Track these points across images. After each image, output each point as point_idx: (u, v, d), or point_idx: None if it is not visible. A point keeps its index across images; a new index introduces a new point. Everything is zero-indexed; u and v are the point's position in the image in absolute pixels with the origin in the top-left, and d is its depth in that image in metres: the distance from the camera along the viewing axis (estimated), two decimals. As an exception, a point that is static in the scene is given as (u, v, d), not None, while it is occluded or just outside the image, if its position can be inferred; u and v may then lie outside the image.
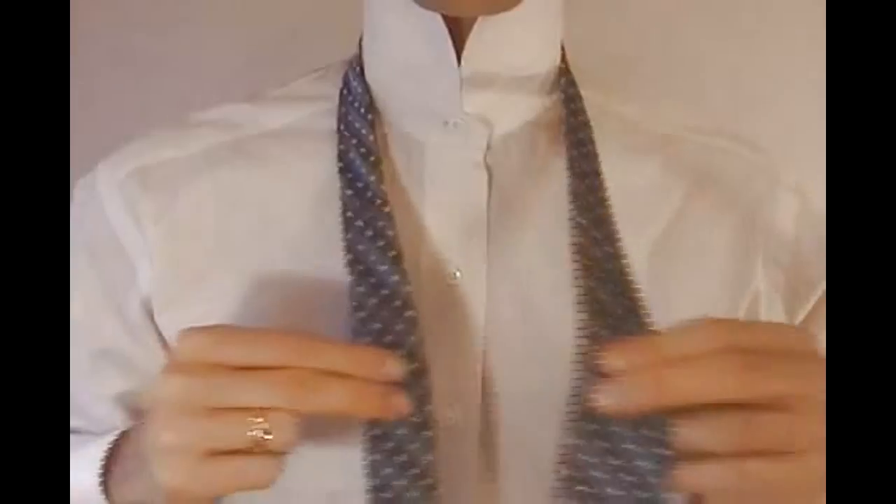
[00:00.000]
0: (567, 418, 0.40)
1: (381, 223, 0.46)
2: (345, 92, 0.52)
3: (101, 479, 0.46)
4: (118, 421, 0.52)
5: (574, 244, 0.46)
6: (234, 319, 0.47)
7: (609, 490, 0.39)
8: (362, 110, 0.50)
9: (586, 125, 0.50)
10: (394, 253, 0.46)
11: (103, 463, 0.46)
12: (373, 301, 0.45)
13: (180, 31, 0.85)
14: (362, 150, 0.49)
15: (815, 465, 0.37)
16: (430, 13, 0.46)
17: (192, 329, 0.40)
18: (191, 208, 0.50)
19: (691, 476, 0.37)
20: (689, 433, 0.37)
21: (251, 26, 0.86)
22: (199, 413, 0.38)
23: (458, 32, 0.47)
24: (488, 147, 0.50)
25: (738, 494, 0.38)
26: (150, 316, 0.51)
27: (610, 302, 0.45)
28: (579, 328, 0.44)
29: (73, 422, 0.53)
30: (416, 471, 0.42)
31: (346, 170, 0.49)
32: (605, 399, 0.37)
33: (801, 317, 0.52)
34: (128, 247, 0.51)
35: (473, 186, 0.49)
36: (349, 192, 0.48)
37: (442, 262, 0.48)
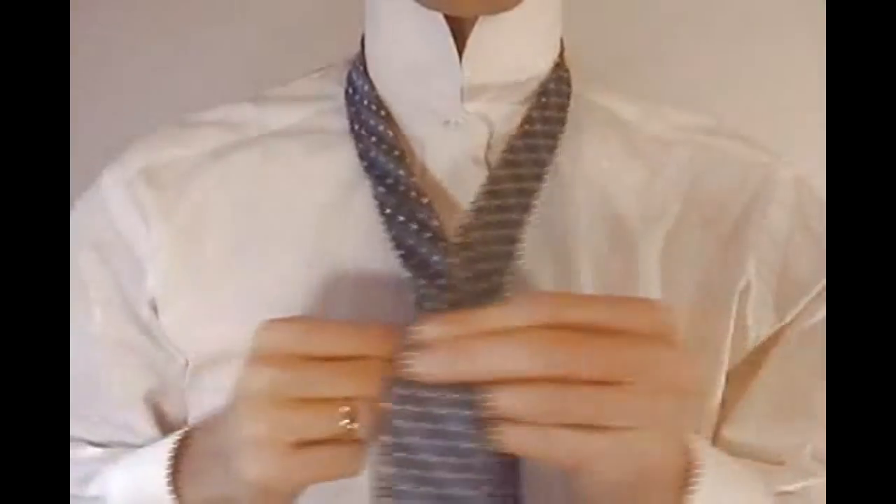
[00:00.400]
0: (382, 383, 0.40)
1: (421, 215, 0.46)
2: (350, 91, 0.52)
3: (169, 479, 0.45)
4: (150, 427, 0.53)
5: (460, 225, 0.46)
6: (248, 319, 0.47)
7: (425, 455, 0.39)
8: (373, 107, 0.50)
9: (552, 120, 0.50)
10: (444, 243, 0.45)
11: (171, 462, 0.46)
12: (433, 292, 0.45)
13: (181, 31, 0.85)
14: (384, 146, 0.49)
15: (636, 442, 0.36)
16: (431, 13, 0.46)
17: (273, 321, 0.40)
18: (198, 208, 0.51)
19: (498, 438, 0.37)
20: (496, 399, 0.37)
21: (251, 26, 0.86)
22: (287, 404, 0.38)
23: (460, 32, 0.47)
24: (489, 147, 0.50)
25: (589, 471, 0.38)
26: (156, 315, 0.51)
27: (469, 280, 0.45)
28: (419, 298, 0.44)
29: (104, 434, 0.53)
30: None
31: (372, 167, 0.49)
32: (416, 367, 0.37)
33: (789, 317, 0.52)
34: (136, 247, 0.51)
35: (474, 183, 0.49)
36: (381, 188, 0.48)
37: None
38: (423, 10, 0.46)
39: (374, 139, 0.49)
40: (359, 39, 0.53)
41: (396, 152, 0.48)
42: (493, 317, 0.38)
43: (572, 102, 0.52)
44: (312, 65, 0.56)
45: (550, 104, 0.50)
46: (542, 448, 0.37)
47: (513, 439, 0.37)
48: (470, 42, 0.47)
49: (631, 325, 0.37)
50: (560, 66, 0.52)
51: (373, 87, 0.50)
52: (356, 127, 0.50)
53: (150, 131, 0.54)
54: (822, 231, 0.51)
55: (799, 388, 0.51)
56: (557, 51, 0.52)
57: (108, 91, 0.84)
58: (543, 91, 0.50)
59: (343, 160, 0.50)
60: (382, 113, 0.49)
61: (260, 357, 0.40)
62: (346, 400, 0.38)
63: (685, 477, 0.41)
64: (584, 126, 0.52)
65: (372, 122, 0.50)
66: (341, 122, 0.51)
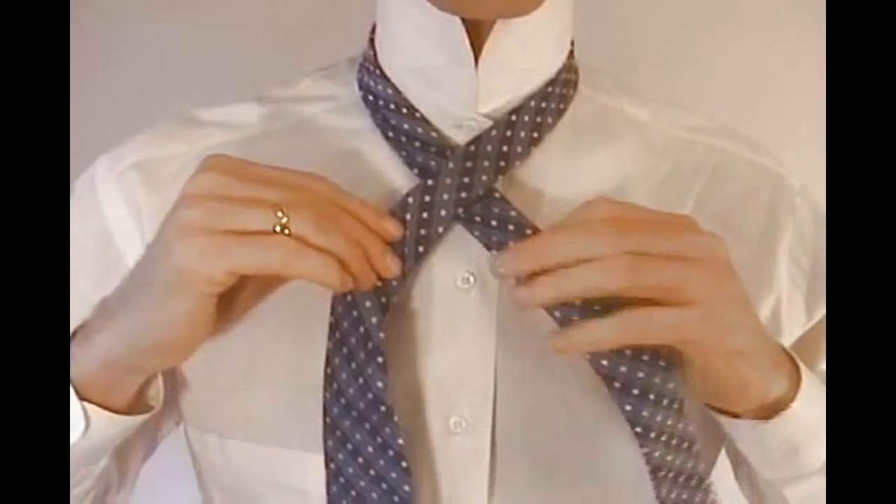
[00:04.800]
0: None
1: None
2: (371, 98, 0.51)
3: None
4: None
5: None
6: (250, 321, 0.47)
7: None
8: (404, 110, 0.49)
9: (542, 125, 0.49)
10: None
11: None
12: None
13: (180, 31, 0.85)
14: (433, 149, 0.48)
15: (716, 313, 0.40)
16: (448, 15, 0.46)
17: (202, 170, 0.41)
18: None
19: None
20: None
21: (251, 26, 0.86)
22: (227, 199, 0.40)
23: (475, 35, 0.47)
24: None
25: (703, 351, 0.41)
26: None
27: None
28: None
29: None
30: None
31: (425, 172, 0.47)
32: (517, 296, 0.41)
33: (818, 317, 0.52)
34: (120, 240, 0.50)
35: None
36: None
37: (453, 265, 0.47)
38: (439, 13, 0.46)
39: (417, 143, 0.48)
40: (360, 39, 0.53)
41: (448, 151, 0.47)
42: (568, 245, 0.40)
43: (580, 103, 0.51)
44: (312, 65, 0.56)
45: (550, 106, 0.50)
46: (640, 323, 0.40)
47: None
48: (487, 46, 0.47)
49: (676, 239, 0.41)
50: (568, 67, 0.51)
51: (397, 91, 0.49)
52: (390, 134, 0.49)
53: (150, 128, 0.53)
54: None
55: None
56: (567, 52, 0.51)
57: (108, 89, 0.85)
58: (547, 88, 0.49)
59: (349, 160, 0.50)
60: (417, 115, 0.49)
61: (189, 195, 0.40)
62: (286, 207, 0.39)
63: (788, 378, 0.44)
64: (589, 127, 0.51)
65: (406, 125, 0.48)
66: (346, 122, 0.51)
